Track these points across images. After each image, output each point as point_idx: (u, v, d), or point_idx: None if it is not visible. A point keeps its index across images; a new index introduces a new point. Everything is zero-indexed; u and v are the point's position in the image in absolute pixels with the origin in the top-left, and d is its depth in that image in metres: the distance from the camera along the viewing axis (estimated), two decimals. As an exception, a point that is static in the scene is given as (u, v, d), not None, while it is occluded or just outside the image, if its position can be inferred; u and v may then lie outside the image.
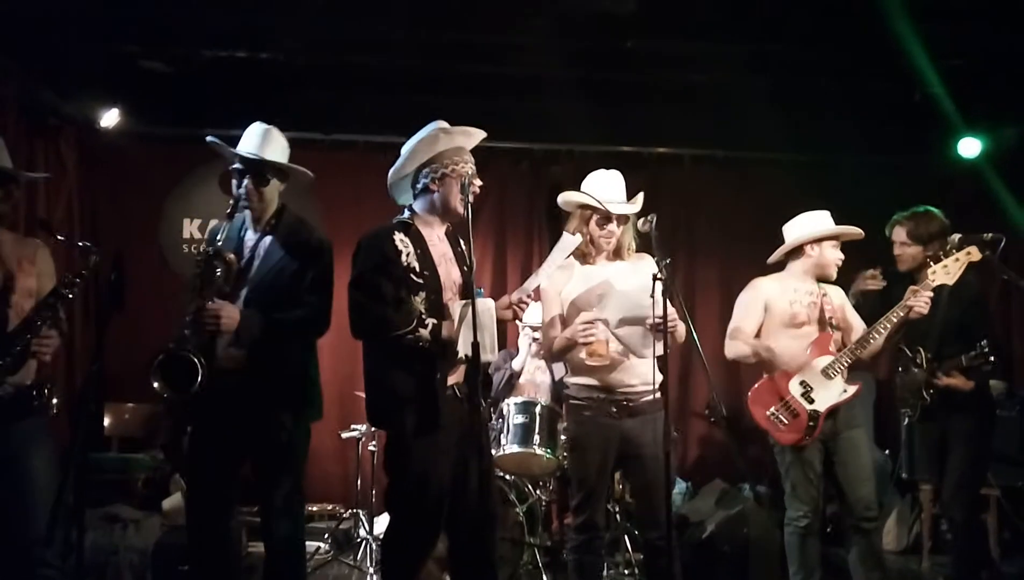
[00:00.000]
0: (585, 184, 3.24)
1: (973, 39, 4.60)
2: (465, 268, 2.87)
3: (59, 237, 2.87)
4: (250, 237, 2.98)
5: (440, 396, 2.73)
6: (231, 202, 2.94)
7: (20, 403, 2.70)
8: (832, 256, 3.47)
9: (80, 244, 2.77)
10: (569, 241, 2.91)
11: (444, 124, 2.85)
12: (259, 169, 2.96)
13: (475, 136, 2.90)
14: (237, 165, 2.97)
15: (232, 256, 2.91)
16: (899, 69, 4.71)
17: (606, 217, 3.14)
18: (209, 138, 3.05)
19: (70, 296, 2.73)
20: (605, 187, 3.19)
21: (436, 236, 2.87)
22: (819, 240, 3.46)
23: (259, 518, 2.97)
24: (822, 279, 3.50)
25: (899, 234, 3.69)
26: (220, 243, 2.88)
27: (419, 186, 2.86)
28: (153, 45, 4.79)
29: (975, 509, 3.89)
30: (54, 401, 2.75)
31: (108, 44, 4.72)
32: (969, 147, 5.25)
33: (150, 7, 4.43)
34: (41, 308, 2.71)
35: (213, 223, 3.32)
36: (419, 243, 2.81)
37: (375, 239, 2.80)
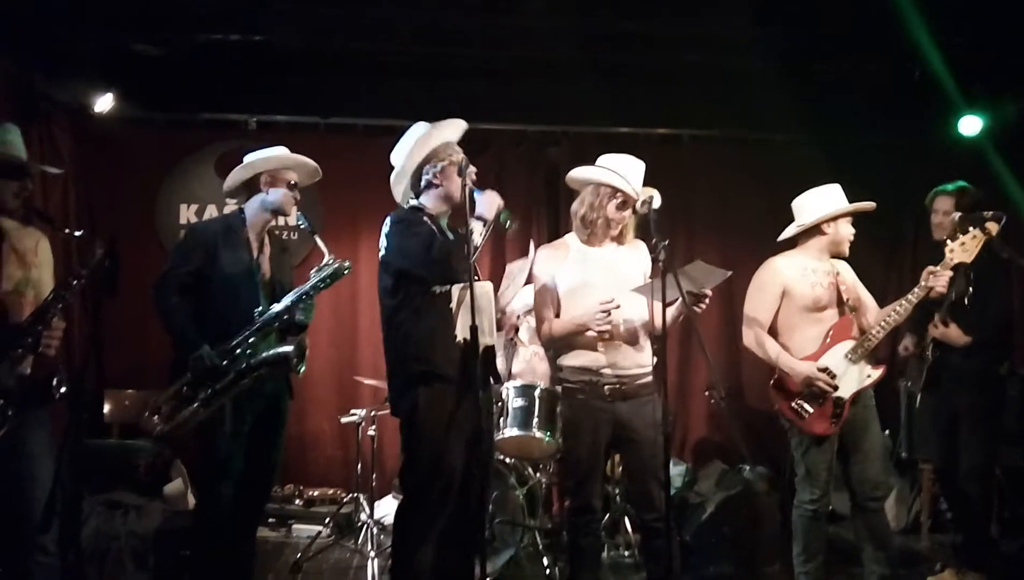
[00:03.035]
0: (608, 163, 3.16)
1: (973, 17, 4.56)
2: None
3: (66, 231, 2.88)
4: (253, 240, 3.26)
5: (455, 379, 2.81)
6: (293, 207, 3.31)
7: (27, 393, 2.68)
8: (847, 232, 3.41)
9: (80, 235, 2.74)
10: (523, 263, 3.11)
11: (425, 123, 2.99)
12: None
13: (460, 127, 3.03)
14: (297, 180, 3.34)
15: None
16: (899, 48, 4.68)
17: (624, 201, 3.11)
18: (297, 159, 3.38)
19: (76, 286, 2.71)
20: (630, 172, 3.11)
21: (444, 226, 2.98)
22: (834, 218, 3.38)
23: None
24: (836, 256, 3.43)
25: (944, 204, 3.78)
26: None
27: (423, 184, 2.97)
28: (146, 29, 4.75)
29: (990, 486, 3.92)
30: (62, 389, 2.75)
31: (101, 28, 4.67)
32: (970, 125, 5.22)
33: (143, -10, 4.40)
34: (52, 300, 2.70)
35: (208, 220, 3.68)
36: (440, 230, 2.95)
37: (408, 222, 2.92)
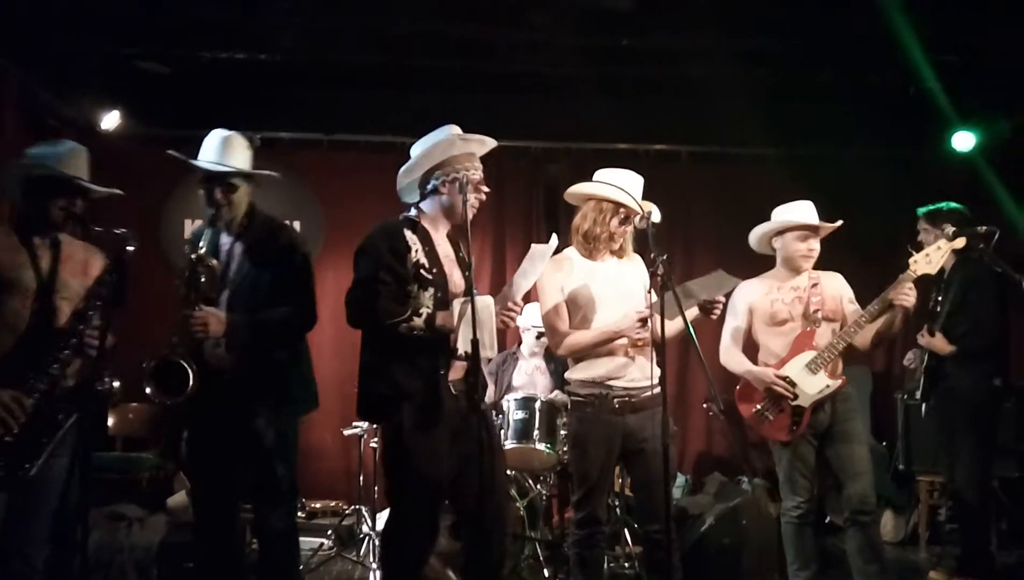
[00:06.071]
0: (608, 178, 3.17)
1: (966, 34, 4.63)
2: (467, 272, 2.88)
3: (97, 229, 2.82)
4: (224, 241, 3.03)
5: (439, 392, 2.75)
6: (210, 210, 3.00)
7: (79, 398, 2.70)
8: (795, 248, 3.43)
9: (118, 232, 2.73)
10: (546, 249, 2.87)
11: (457, 129, 2.89)
12: (225, 178, 3.00)
13: (487, 144, 2.95)
14: (203, 176, 3.01)
15: (215, 261, 2.97)
16: (894, 64, 4.74)
17: (627, 216, 3.13)
18: (169, 152, 3.10)
19: (112, 281, 2.71)
20: (630, 186, 3.12)
21: (440, 237, 2.92)
22: (780, 233, 3.47)
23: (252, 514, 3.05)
24: (795, 271, 3.48)
25: (921, 224, 3.90)
26: (203, 249, 2.93)
27: (429, 188, 2.89)
28: (152, 46, 4.82)
29: (987, 496, 3.96)
30: (116, 384, 2.75)
31: (107, 45, 4.74)
32: (963, 141, 5.28)
33: (149, 8, 4.46)
34: (89, 298, 2.72)
35: (194, 226, 3.42)
36: (426, 241, 2.86)
37: (383, 235, 2.84)
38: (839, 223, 3.46)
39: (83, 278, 2.84)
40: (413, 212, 2.94)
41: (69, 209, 2.80)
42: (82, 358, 2.74)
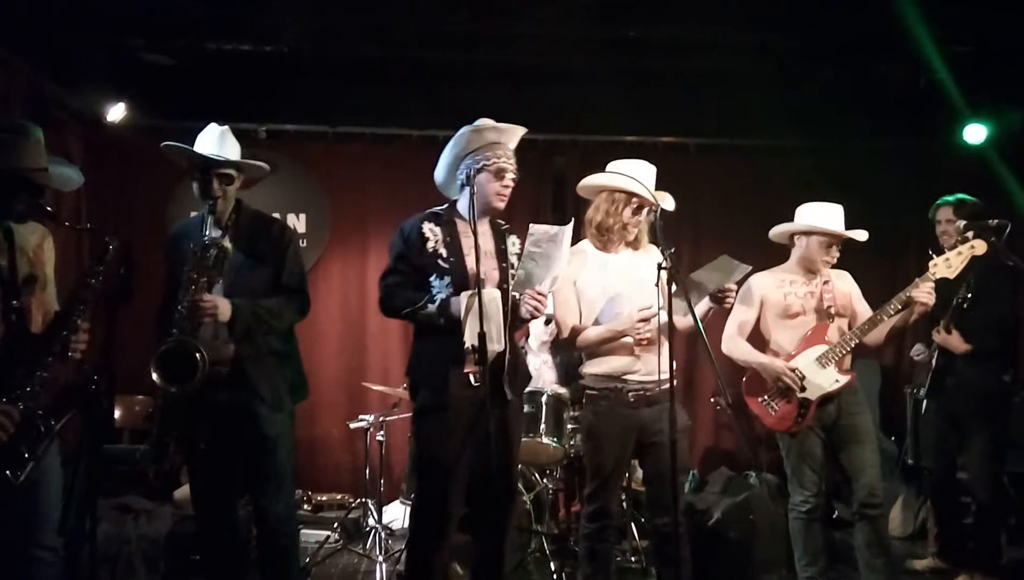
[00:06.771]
0: (620, 169, 3.15)
1: (978, 25, 4.58)
2: (504, 264, 2.92)
3: (67, 224, 2.77)
4: (214, 236, 3.03)
5: (450, 380, 2.79)
6: (209, 202, 2.99)
7: (63, 406, 2.63)
8: (818, 253, 3.42)
9: (88, 227, 2.67)
10: (556, 231, 2.81)
11: (485, 122, 2.90)
12: (224, 169, 3.02)
13: (508, 132, 2.92)
14: (201, 168, 3.02)
15: (227, 243, 2.97)
16: (904, 55, 4.70)
17: (640, 206, 3.12)
18: (168, 143, 3.09)
19: (95, 285, 2.63)
20: (642, 176, 3.11)
21: (471, 229, 2.89)
22: (807, 233, 3.45)
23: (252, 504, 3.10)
24: (811, 272, 3.48)
25: (945, 213, 3.89)
26: (207, 238, 2.92)
27: (458, 183, 2.95)
28: (157, 38, 4.81)
29: (999, 491, 3.95)
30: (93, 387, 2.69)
31: (113, 38, 4.73)
32: (975, 133, 5.24)
33: (154, 0, 4.44)
34: (73, 301, 2.63)
35: (179, 222, 3.48)
36: (450, 232, 2.90)
37: (402, 230, 2.96)
38: (865, 236, 3.44)
39: (40, 265, 2.71)
40: (445, 206, 3.00)
41: (35, 202, 2.61)
42: (71, 362, 2.67)
